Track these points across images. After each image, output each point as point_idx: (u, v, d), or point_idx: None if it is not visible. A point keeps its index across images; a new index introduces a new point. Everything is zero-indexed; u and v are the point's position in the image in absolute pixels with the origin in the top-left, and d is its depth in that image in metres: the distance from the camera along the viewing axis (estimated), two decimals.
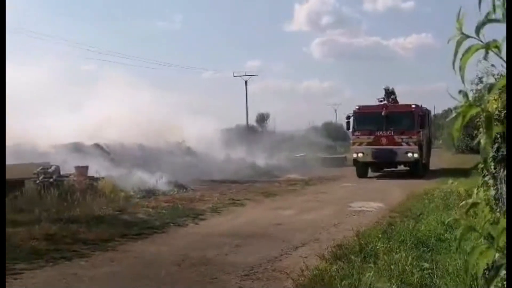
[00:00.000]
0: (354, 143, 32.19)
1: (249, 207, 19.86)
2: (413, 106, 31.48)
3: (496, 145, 5.80)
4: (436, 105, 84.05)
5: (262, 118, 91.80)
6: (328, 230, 14.24)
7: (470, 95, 1.87)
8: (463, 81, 1.84)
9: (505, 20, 1.73)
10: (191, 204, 19.61)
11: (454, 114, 1.88)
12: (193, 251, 11.89)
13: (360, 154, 31.58)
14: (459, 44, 1.84)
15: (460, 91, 1.86)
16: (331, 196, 22.84)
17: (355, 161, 32.18)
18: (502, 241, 1.85)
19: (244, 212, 18.53)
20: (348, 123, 32.20)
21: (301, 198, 22.40)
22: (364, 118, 31.46)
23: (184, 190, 24.21)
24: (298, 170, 36.50)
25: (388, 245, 10.48)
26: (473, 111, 1.85)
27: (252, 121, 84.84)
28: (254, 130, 57.52)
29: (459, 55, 1.83)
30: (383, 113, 30.97)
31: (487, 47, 1.81)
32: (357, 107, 32.10)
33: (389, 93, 34.34)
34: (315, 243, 12.53)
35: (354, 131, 31.86)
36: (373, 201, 20.25)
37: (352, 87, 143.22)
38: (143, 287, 9.17)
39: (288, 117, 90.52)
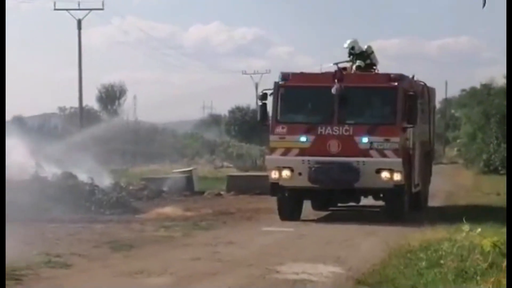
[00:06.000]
0: (273, 149, 19.00)
1: (79, 270, 13.06)
2: (395, 76, 18.77)
3: None
4: (450, 80, 58.06)
5: (112, 96, 64.90)
6: None
7: None
8: None
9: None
10: None
11: None
12: None
13: (285, 173, 18.36)
14: None
15: None
16: (243, 250, 15.70)
17: (274, 187, 18.95)
18: None
19: (68, 281, 12.21)
20: (263, 108, 19.29)
21: (185, 253, 15.10)
22: (296, 99, 19.05)
23: None
24: (179, 199, 25.82)
25: None
26: None
27: (92, 101, 60.84)
28: (95, 118, 44.22)
29: None
30: (334, 90, 18.01)
31: None
32: (283, 77, 19.12)
33: (355, 55, 20.52)
34: None
35: (275, 124, 18.79)
36: (323, 261, 13.84)
37: (293, 39, 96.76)
38: None
39: (161, 96, 71.46)
